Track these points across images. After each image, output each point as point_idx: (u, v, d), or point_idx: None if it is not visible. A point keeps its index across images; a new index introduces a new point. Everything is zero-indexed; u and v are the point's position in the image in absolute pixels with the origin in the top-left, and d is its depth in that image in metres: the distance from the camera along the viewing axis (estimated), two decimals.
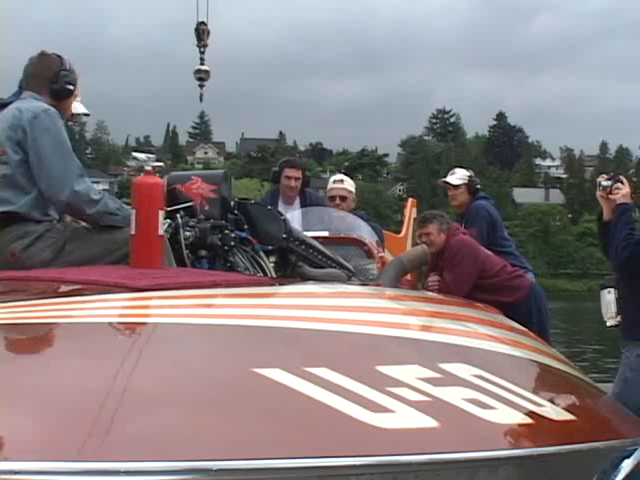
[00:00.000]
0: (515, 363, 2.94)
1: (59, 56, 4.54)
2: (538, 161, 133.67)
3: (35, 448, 1.59)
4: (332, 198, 7.89)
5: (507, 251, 7.92)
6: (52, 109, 4.24)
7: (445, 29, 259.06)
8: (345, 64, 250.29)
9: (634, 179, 72.03)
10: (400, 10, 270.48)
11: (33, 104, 4.27)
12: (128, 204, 4.39)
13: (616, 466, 2.37)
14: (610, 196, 5.62)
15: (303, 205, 7.65)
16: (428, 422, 1.96)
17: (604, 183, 5.74)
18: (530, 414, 2.26)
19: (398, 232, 12.06)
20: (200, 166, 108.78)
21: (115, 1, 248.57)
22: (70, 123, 4.93)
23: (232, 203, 4.61)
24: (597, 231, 6.07)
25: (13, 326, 2.43)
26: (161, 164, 3.98)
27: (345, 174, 9.75)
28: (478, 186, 8.29)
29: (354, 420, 1.86)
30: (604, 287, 6.05)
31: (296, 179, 7.79)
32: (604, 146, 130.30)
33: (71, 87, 4.50)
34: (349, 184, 8.10)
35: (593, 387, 3.18)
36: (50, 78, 4.42)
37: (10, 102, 5.28)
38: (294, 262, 4.77)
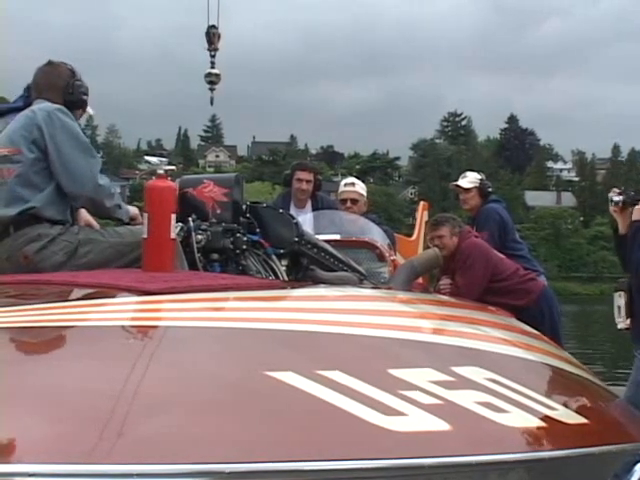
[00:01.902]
0: (527, 366, 2.93)
1: (68, 65, 4.58)
2: (550, 164, 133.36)
3: (48, 450, 1.59)
4: (343, 201, 7.91)
5: (519, 254, 7.93)
6: (64, 108, 4.28)
7: (455, 32, 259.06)
8: (356, 67, 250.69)
9: None
10: (410, 13, 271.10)
11: (45, 104, 4.31)
12: (140, 208, 4.41)
13: (629, 470, 2.37)
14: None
15: (315, 208, 7.67)
16: (440, 425, 1.95)
17: (615, 198, 5.76)
18: (542, 417, 2.26)
19: (410, 235, 12.09)
20: (211, 169, 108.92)
21: (125, 4, 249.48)
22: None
23: (244, 206, 4.62)
24: (614, 244, 6.11)
25: (25, 329, 2.43)
26: (173, 167, 4.00)
27: (356, 177, 9.77)
28: (489, 189, 8.30)
29: (366, 423, 1.86)
30: (617, 290, 6.06)
31: (307, 182, 7.81)
32: (616, 149, 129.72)
33: (86, 97, 4.56)
34: (360, 187, 8.11)
35: (605, 390, 3.17)
36: (64, 88, 4.47)
37: (17, 107, 5.33)
38: (306, 265, 4.77)
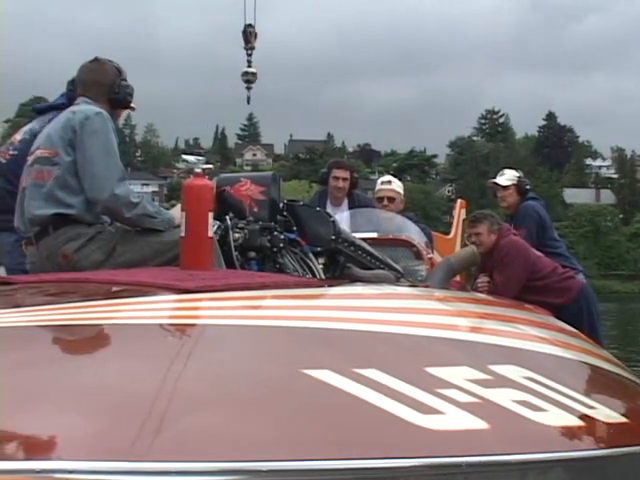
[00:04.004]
0: (566, 365, 2.91)
1: (114, 63, 4.60)
2: (589, 161, 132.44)
3: (87, 448, 1.60)
4: (380, 199, 7.89)
5: (557, 252, 7.87)
6: (105, 112, 4.28)
7: (493, 29, 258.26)
8: (393, 65, 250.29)
9: None
10: (446, 11, 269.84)
11: (87, 107, 4.32)
12: (169, 208, 4.40)
13: None
14: None
15: (351, 206, 7.67)
16: (478, 424, 1.95)
17: None
18: (581, 416, 2.24)
19: (447, 233, 12.04)
20: (249, 168, 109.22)
21: (164, 4, 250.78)
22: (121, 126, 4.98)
23: (281, 205, 4.62)
24: None
25: (64, 327, 2.45)
26: (211, 166, 4.00)
27: (393, 175, 9.74)
28: (527, 187, 8.24)
29: (403, 421, 1.86)
30: None
31: (344, 179, 7.81)
32: None
33: (131, 98, 4.57)
34: (397, 185, 8.09)
35: None
36: (110, 86, 4.48)
37: (58, 104, 5.38)
38: (343, 263, 4.76)
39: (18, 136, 5.70)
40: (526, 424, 2.05)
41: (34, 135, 5.28)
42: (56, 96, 5.88)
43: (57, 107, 5.51)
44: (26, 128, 5.71)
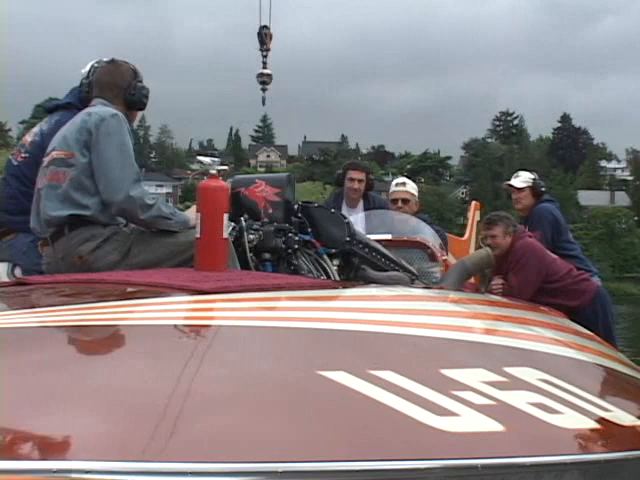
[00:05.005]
0: (581, 367, 2.91)
1: (130, 64, 4.60)
2: (603, 163, 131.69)
3: (103, 448, 1.61)
4: (394, 201, 7.88)
5: (572, 254, 7.84)
6: (120, 114, 4.29)
7: (508, 31, 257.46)
8: (407, 67, 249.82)
9: None
10: (462, 13, 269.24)
11: (103, 109, 4.32)
12: (184, 209, 4.39)
13: None
14: None
15: (366, 208, 7.66)
16: (493, 426, 1.95)
17: None
18: (597, 419, 2.24)
19: (461, 235, 12.01)
20: (262, 169, 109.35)
21: (179, 6, 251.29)
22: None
23: (296, 206, 4.63)
24: None
25: (79, 328, 2.46)
26: (226, 168, 4.00)
27: (407, 177, 9.73)
28: (543, 189, 8.21)
29: (419, 423, 1.86)
30: None
31: (359, 181, 7.80)
32: None
33: (146, 100, 4.58)
34: (411, 187, 8.08)
35: None
36: (126, 88, 4.49)
37: (66, 103, 5.38)
38: (357, 265, 4.76)
39: (29, 137, 5.71)
40: (541, 426, 2.05)
41: (42, 136, 5.29)
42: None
43: (64, 106, 5.52)
44: (35, 129, 5.71)
